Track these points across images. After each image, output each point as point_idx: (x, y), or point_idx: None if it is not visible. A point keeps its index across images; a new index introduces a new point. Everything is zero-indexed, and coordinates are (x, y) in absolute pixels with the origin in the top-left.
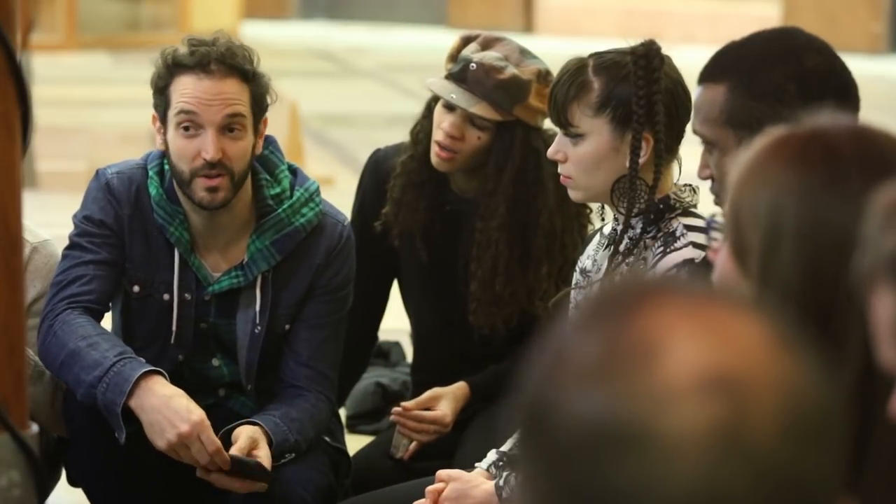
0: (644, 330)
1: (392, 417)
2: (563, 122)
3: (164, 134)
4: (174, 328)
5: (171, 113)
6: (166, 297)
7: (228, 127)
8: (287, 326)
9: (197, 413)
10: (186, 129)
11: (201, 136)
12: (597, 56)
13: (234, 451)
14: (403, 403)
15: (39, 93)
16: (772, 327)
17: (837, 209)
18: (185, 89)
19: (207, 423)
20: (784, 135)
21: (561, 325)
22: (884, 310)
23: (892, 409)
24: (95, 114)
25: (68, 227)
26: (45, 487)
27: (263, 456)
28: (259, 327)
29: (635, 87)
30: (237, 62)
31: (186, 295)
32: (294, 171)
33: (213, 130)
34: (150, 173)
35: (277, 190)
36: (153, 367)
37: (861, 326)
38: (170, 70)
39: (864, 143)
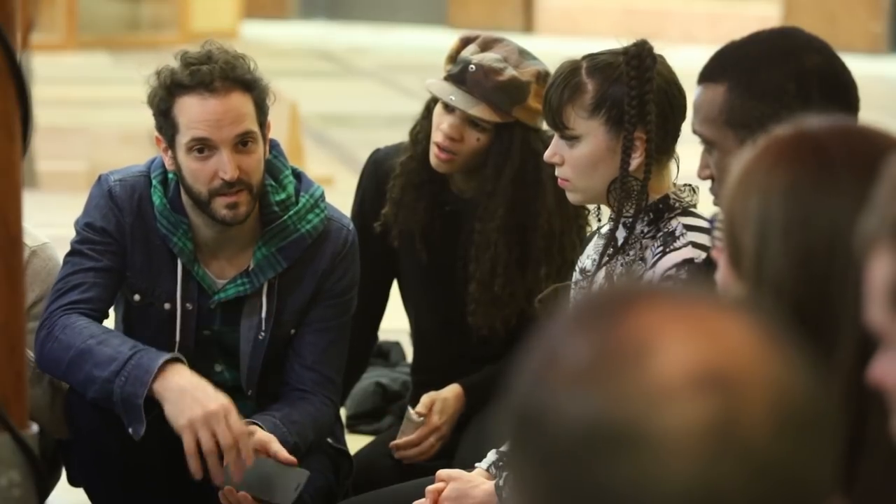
0: (633, 330)
1: (397, 455)
2: (559, 125)
3: (174, 156)
4: (177, 338)
5: (182, 139)
6: (167, 306)
7: (242, 142)
8: (292, 331)
9: (225, 397)
10: (200, 150)
11: (216, 156)
12: (590, 58)
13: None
14: (394, 443)
15: (39, 93)
16: (760, 326)
17: (826, 206)
18: (192, 112)
19: (235, 408)
20: (771, 138)
21: (551, 328)
22: (881, 271)
23: (873, 374)
24: (95, 114)
25: (68, 228)
26: (45, 487)
27: (278, 450)
28: (263, 333)
29: (627, 88)
30: (238, 75)
31: (188, 305)
32: (298, 175)
33: (227, 150)
34: (154, 182)
35: (283, 196)
36: (173, 355)
37: (854, 321)
38: (170, 91)
39: (852, 140)
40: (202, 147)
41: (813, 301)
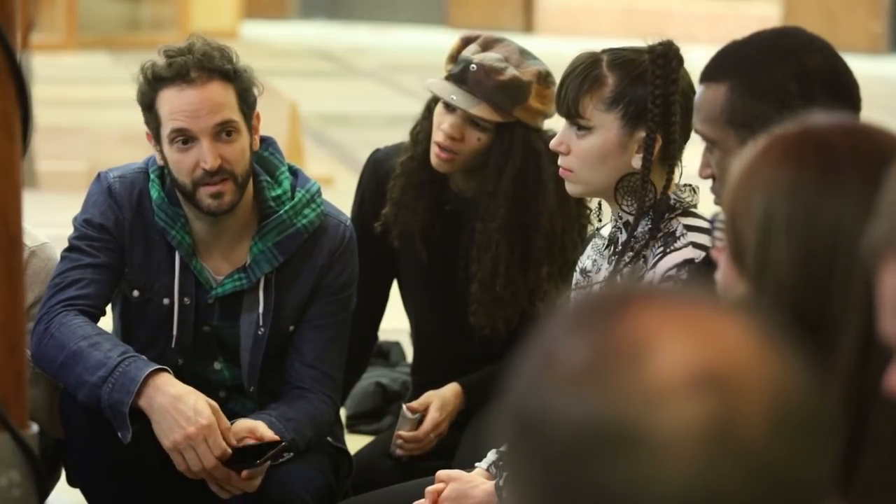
0: (630, 331)
1: (396, 444)
2: (573, 114)
3: (161, 150)
4: (174, 333)
5: (164, 130)
6: (166, 301)
7: (223, 131)
8: (291, 328)
9: (205, 415)
10: (183, 142)
11: (196, 146)
12: (611, 52)
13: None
14: (399, 433)
15: (39, 93)
16: (757, 327)
17: (830, 205)
18: (171, 103)
19: (215, 426)
20: (776, 135)
21: (548, 329)
22: (892, 281)
23: (888, 383)
24: (95, 114)
25: (68, 228)
26: (45, 487)
27: (264, 432)
28: (262, 329)
29: (652, 87)
30: (216, 64)
31: (186, 299)
32: (295, 172)
33: (206, 139)
34: (152, 176)
35: (278, 191)
36: (159, 366)
37: (855, 321)
38: (152, 86)
39: (858, 139)
40: (184, 138)
41: (814, 300)
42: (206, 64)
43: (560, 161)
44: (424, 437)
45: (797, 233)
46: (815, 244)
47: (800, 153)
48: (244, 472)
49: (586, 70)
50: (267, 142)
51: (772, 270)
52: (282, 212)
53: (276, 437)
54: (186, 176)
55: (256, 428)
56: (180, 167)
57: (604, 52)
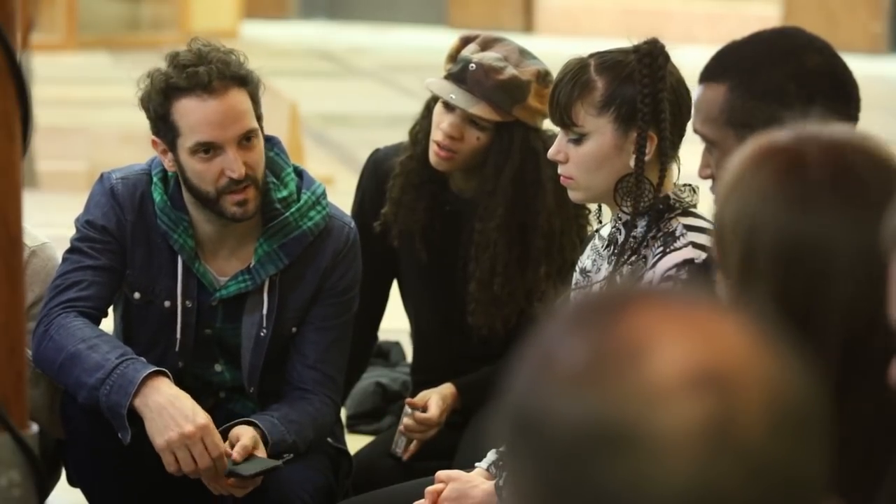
0: (629, 331)
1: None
2: (566, 122)
3: (175, 158)
4: (178, 336)
5: (184, 142)
6: (167, 304)
7: (245, 139)
8: (294, 329)
9: (202, 416)
10: (206, 152)
11: (220, 156)
12: (599, 55)
13: (235, 455)
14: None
15: (39, 93)
16: (754, 327)
17: (813, 219)
18: (194, 116)
19: (213, 428)
20: (762, 145)
21: (547, 329)
22: None
23: (893, 375)
24: (95, 114)
25: (68, 228)
26: (45, 487)
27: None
28: (265, 330)
29: (640, 86)
30: (234, 71)
31: (188, 302)
32: (300, 173)
33: (232, 149)
34: (154, 179)
35: (284, 193)
36: (157, 368)
37: (834, 331)
38: (166, 95)
39: (842, 154)
40: (207, 149)
41: (796, 312)
42: (226, 72)
43: (560, 170)
44: (437, 421)
45: (781, 244)
46: (798, 257)
47: (784, 167)
48: (230, 480)
49: (575, 77)
50: (272, 141)
51: (755, 282)
52: (288, 214)
53: (274, 461)
54: (210, 185)
55: (257, 446)
56: (205, 177)
57: (591, 56)
